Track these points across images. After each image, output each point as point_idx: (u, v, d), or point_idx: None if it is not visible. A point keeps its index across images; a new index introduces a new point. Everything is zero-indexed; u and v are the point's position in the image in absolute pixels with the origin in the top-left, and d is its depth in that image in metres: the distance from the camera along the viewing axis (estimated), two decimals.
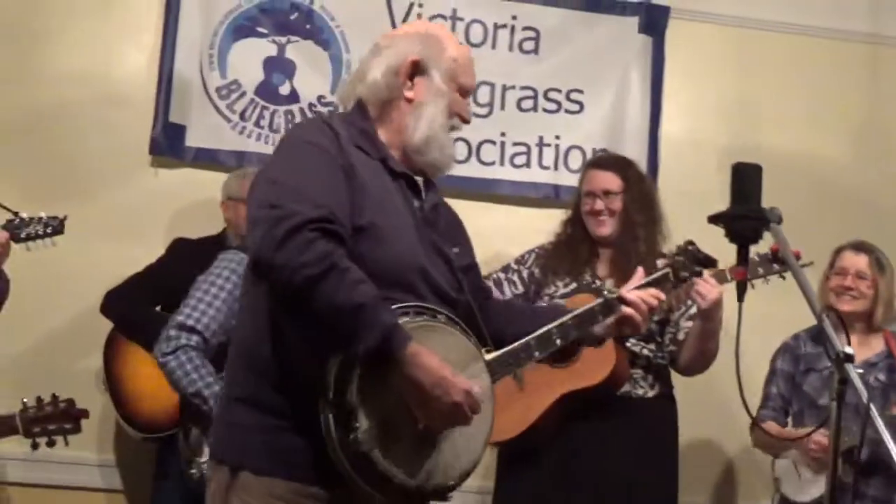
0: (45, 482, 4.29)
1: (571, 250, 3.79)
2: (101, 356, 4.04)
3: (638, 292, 2.58)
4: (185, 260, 3.92)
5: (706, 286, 3.48)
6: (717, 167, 4.65)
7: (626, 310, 2.56)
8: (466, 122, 2.50)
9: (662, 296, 2.64)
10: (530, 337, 2.46)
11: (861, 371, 3.65)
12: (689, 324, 3.72)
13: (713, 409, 4.53)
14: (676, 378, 3.81)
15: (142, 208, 4.48)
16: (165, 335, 3.36)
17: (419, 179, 2.46)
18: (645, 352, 3.68)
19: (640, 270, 2.71)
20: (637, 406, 3.65)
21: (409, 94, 2.42)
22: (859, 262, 3.88)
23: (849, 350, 2.05)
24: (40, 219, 3.67)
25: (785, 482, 3.91)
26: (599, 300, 2.58)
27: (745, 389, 2.30)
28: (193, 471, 3.24)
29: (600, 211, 3.74)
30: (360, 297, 2.10)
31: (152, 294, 3.63)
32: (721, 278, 3.54)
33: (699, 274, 2.95)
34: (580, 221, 3.82)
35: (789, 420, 4.01)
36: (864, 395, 2.02)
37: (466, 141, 4.75)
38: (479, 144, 4.78)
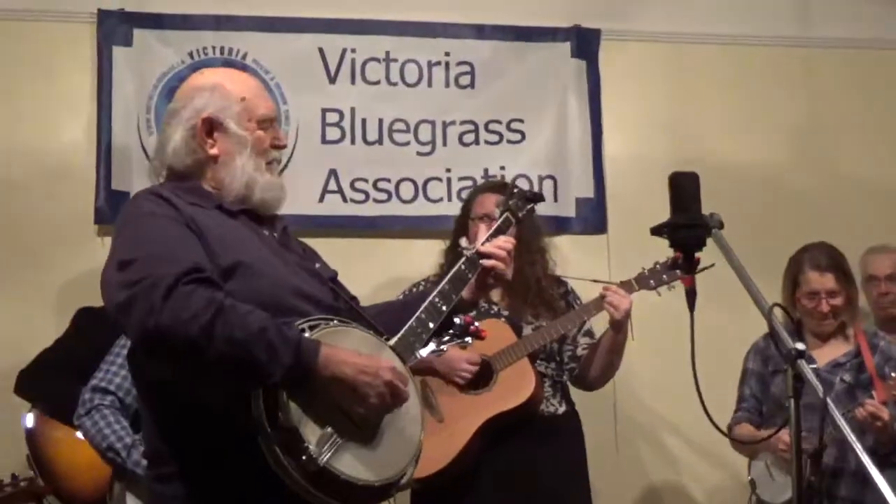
0: None
1: None
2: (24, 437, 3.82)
3: (492, 242, 2.64)
4: (91, 329, 3.87)
5: (617, 297, 3.55)
6: (663, 181, 4.71)
7: (487, 262, 2.61)
8: (280, 148, 2.50)
9: (513, 240, 2.68)
10: (419, 311, 2.48)
11: (826, 372, 3.75)
12: (587, 339, 3.79)
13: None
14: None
15: (90, 277, 4.38)
16: (81, 399, 3.44)
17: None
18: (549, 371, 3.72)
19: (481, 226, 2.71)
20: (552, 423, 3.69)
21: (213, 151, 2.42)
22: (827, 282, 3.83)
23: (800, 346, 2.05)
24: None
25: (760, 484, 3.90)
26: (462, 259, 2.61)
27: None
28: None
29: None
30: (258, 323, 2.11)
31: (64, 368, 3.61)
32: (629, 288, 3.59)
33: (532, 210, 2.92)
34: None
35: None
36: (820, 390, 2.02)
37: (412, 180, 4.78)
38: (426, 182, 4.80)
